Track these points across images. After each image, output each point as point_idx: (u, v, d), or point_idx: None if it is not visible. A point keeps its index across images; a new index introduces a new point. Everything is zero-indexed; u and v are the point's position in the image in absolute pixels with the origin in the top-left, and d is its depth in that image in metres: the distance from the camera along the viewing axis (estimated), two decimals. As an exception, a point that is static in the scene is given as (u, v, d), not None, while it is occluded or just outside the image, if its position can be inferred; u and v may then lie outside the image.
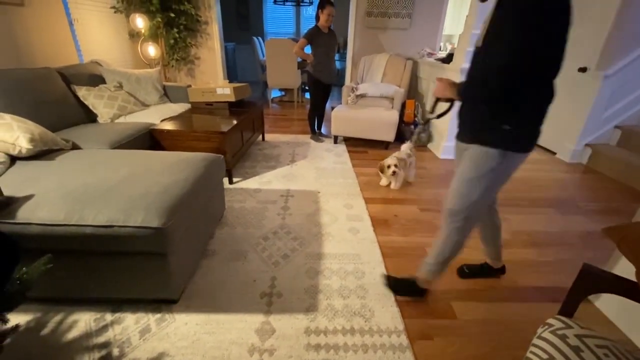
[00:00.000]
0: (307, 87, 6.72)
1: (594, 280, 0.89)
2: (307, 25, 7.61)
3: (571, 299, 0.93)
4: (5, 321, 0.92)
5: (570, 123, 3.39)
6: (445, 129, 3.34)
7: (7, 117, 1.72)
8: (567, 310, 0.93)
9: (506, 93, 1.09)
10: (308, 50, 3.38)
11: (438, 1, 4.19)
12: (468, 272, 1.69)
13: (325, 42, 3.34)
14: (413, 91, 4.31)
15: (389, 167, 2.51)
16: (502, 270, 1.69)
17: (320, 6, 3.20)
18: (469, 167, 1.27)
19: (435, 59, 3.78)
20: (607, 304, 1.50)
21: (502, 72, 1.04)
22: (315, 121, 3.81)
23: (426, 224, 2.17)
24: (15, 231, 1.19)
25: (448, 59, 3.39)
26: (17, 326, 0.98)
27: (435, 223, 2.18)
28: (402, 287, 1.55)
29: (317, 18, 3.27)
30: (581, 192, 2.73)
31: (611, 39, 2.97)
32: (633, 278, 0.84)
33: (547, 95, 1.12)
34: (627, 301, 0.88)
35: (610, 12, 2.93)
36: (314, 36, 3.28)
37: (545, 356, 0.79)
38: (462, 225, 1.32)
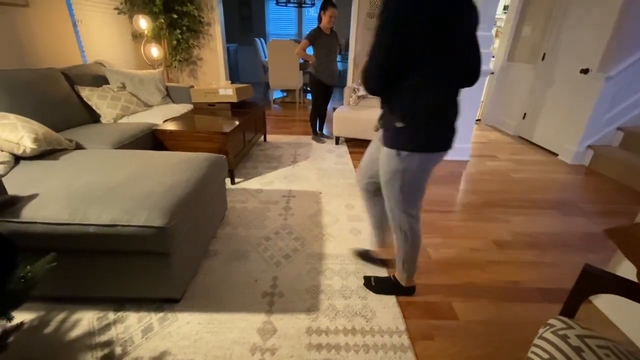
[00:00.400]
0: (308, 88, 6.73)
1: (595, 280, 0.90)
2: (309, 26, 7.63)
3: (572, 300, 0.93)
4: (9, 319, 0.93)
5: (572, 124, 3.39)
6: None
7: (12, 117, 1.73)
8: (569, 310, 0.93)
9: (378, 92, 1.17)
10: (310, 51, 3.40)
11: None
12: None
13: (327, 43, 3.34)
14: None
15: None
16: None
17: (323, 8, 3.22)
18: (381, 169, 1.32)
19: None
20: (609, 304, 1.50)
21: (363, 72, 1.13)
22: (317, 122, 3.82)
23: (427, 224, 2.17)
24: (20, 230, 1.20)
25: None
26: (21, 324, 0.98)
27: (437, 223, 2.18)
28: (388, 288, 1.55)
29: (320, 19, 3.28)
30: (583, 193, 2.73)
31: (613, 41, 2.97)
32: (634, 279, 0.85)
33: (433, 93, 1.13)
34: (628, 302, 0.88)
35: (612, 14, 2.93)
36: (316, 37, 3.29)
37: (546, 356, 0.80)
38: (403, 223, 1.37)
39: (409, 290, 1.54)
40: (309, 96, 6.24)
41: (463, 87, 1.23)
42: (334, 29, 3.41)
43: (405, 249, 1.43)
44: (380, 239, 1.69)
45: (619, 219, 2.34)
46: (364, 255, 1.77)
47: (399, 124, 1.17)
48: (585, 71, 3.19)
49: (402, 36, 1.03)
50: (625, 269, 1.41)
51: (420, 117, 1.15)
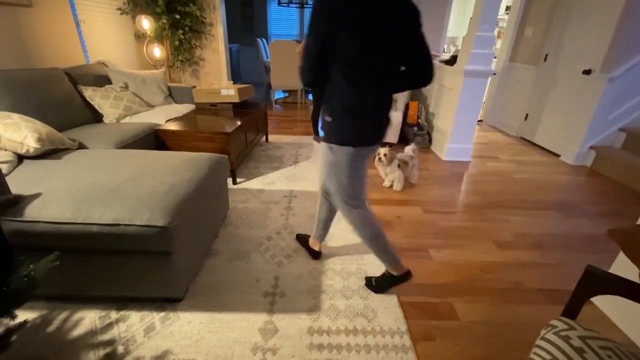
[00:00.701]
0: (310, 89, 6.73)
1: (597, 281, 0.89)
2: (310, 27, 7.62)
3: (574, 301, 0.93)
4: (13, 317, 0.93)
5: (574, 125, 3.38)
6: (448, 131, 3.34)
7: (15, 117, 1.74)
8: (570, 311, 0.93)
9: (309, 86, 1.29)
10: None
11: (442, 3, 4.19)
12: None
13: None
14: (417, 93, 4.31)
15: (378, 155, 2.54)
16: (406, 277, 1.55)
17: None
18: (320, 162, 1.44)
19: (439, 61, 3.78)
20: (611, 306, 1.50)
21: (299, 68, 1.22)
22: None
23: (429, 225, 2.17)
24: (23, 229, 1.21)
25: (452, 60, 3.40)
26: (25, 322, 0.99)
27: (439, 224, 2.18)
28: (386, 283, 1.55)
29: None
30: (585, 194, 2.72)
31: (616, 42, 2.96)
32: (636, 280, 0.85)
33: (358, 93, 1.18)
34: (630, 303, 0.88)
35: (615, 15, 2.92)
36: None
37: (548, 357, 0.80)
38: (352, 215, 1.42)
39: (404, 277, 1.52)
40: (311, 96, 6.27)
41: (405, 88, 1.30)
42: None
43: (368, 244, 1.46)
44: (319, 234, 1.75)
45: (621, 220, 2.33)
46: (302, 240, 1.86)
47: (327, 118, 1.26)
48: (587, 72, 3.19)
49: (322, 37, 1.10)
50: (628, 270, 1.41)
51: (345, 115, 1.21)
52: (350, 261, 1.77)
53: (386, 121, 1.30)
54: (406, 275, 1.52)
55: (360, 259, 1.79)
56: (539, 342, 0.86)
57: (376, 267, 1.72)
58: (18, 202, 1.25)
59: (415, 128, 3.74)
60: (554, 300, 1.57)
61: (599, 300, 1.55)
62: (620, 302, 1.22)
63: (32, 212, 1.22)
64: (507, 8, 4.78)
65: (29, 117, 1.81)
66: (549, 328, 0.87)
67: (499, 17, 3.60)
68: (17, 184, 1.37)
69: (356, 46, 1.11)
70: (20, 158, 1.69)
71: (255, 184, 2.64)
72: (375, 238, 1.43)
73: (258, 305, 1.46)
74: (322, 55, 1.14)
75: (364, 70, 1.16)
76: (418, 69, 1.24)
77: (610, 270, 1.46)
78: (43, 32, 2.64)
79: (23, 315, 1.31)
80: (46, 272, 0.99)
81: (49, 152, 1.77)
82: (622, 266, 1.48)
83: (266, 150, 3.42)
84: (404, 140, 3.59)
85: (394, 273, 1.51)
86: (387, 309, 1.46)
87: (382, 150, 2.55)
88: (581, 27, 3.40)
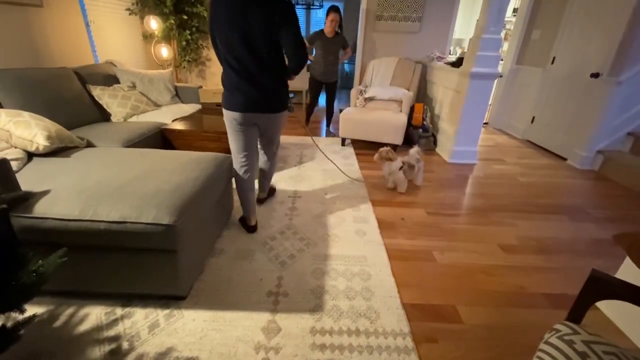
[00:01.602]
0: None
1: (602, 286, 0.89)
2: (316, 27, 7.63)
3: (579, 305, 0.92)
4: (22, 311, 0.95)
5: (581, 129, 3.35)
6: (453, 134, 3.32)
7: (26, 115, 1.77)
8: (575, 316, 0.93)
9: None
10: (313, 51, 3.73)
11: (448, 5, 4.18)
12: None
13: (323, 45, 3.60)
14: (422, 95, 4.31)
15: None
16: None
17: (327, 14, 3.49)
18: None
19: (445, 63, 3.77)
20: (616, 311, 1.48)
21: None
22: (311, 114, 4.15)
23: (433, 227, 2.16)
24: (33, 225, 1.23)
25: (458, 62, 3.39)
26: (33, 316, 1.01)
27: (443, 226, 2.17)
28: (241, 223, 2.03)
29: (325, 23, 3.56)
30: (592, 199, 2.70)
31: (624, 45, 2.93)
32: (642, 285, 0.84)
33: (226, 73, 1.69)
34: (636, 309, 0.87)
35: (623, 18, 2.89)
36: (314, 39, 3.62)
37: (551, 361, 0.79)
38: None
39: (248, 228, 1.97)
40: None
41: (265, 75, 1.66)
42: (340, 32, 3.60)
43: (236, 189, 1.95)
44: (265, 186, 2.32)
45: (628, 225, 2.31)
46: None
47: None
48: (595, 75, 3.16)
49: (210, 32, 1.64)
50: (633, 275, 1.39)
51: (224, 87, 1.72)
52: (353, 262, 1.77)
53: (253, 94, 1.67)
54: (251, 228, 1.97)
55: (364, 260, 1.79)
56: (542, 346, 0.85)
57: (379, 269, 1.73)
58: (28, 199, 1.28)
59: (420, 130, 3.73)
60: (559, 304, 1.56)
61: (604, 305, 1.54)
62: (625, 307, 1.21)
63: (41, 209, 1.25)
64: (515, 10, 4.75)
65: (38, 116, 1.84)
66: (553, 332, 0.86)
67: (506, 19, 3.58)
68: (26, 181, 1.39)
69: (220, 37, 1.58)
70: (30, 155, 1.72)
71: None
72: (238, 188, 1.93)
73: (261, 304, 1.47)
74: (214, 45, 1.69)
75: (231, 58, 1.60)
76: (289, 54, 1.65)
77: (616, 276, 1.44)
78: (53, 32, 2.69)
79: (31, 309, 1.33)
80: (55, 268, 1.01)
81: (58, 150, 1.80)
82: (628, 271, 1.46)
83: (271, 151, 3.43)
84: (408, 142, 3.58)
85: (247, 222, 1.97)
86: (390, 311, 1.46)
87: (382, 150, 2.61)
88: (589, 29, 3.37)
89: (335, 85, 3.91)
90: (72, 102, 2.37)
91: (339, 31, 3.62)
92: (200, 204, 1.47)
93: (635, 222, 2.35)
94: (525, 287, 1.67)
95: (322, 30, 3.58)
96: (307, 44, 3.49)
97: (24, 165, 1.63)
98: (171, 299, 1.45)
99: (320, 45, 3.61)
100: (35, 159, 1.70)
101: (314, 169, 2.99)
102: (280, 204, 2.33)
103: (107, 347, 1.24)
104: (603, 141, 3.26)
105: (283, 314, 1.42)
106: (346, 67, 7.51)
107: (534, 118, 4.11)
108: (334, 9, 3.44)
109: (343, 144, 3.72)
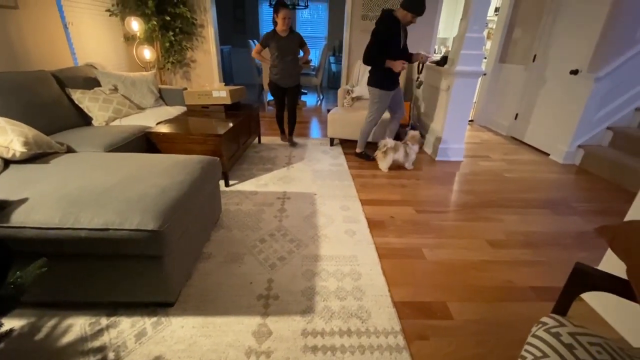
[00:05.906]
0: (304, 90, 6.73)
1: (586, 278, 0.91)
2: (302, 28, 7.64)
3: (564, 298, 0.94)
4: (-1, 325, 0.91)
5: (562, 125, 3.44)
6: (440, 131, 3.36)
7: (1, 120, 1.70)
8: (561, 308, 0.94)
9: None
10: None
11: (432, 5, 4.23)
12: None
13: (279, 46, 3.22)
14: (408, 93, 4.34)
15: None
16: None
17: (275, 10, 3.11)
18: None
19: (430, 62, 3.81)
20: (600, 302, 1.52)
21: None
22: (282, 122, 3.74)
23: (422, 225, 2.18)
24: (10, 235, 1.18)
25: (442, 61, 3.42)
26: (11, 330, 0.97)
27: (431, 224, 2.19)
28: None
29: (274, 22, 3.18)
30: (574, 192, 2.77)
31: (602, 42, 3.02)
32: (625, 276, 0.86)
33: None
34: (619, 299, 0.89)
35: (601, 15, 2.98)
36: (268, 40, 3.22)
37: (539, 354, 0.80)
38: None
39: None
40: (304, 97, 6.27)
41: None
42: (294, 29, 3.30)
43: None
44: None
45: (609, 217, 2.38)
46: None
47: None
48: (575, 72, 3.24)
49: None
50: (616, 267, 1.43)
51: (389, 77, 2.80)
52: (344, 262, 1.77)
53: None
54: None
55: (354, 259, 1.79)
56: (530, 339, 0.86)
57: (370, 269, 1.73)
58: (4, 208, 1.22)
59: (408, 128, 3.76)
60: (546, 297, 1.59)
61: (589, 297, 1.57)
62: (609, 298, 1.24)
63: (19, 218, 1.20)
64: (497, 9, 4.84)
65: (15, 121, 1.77)
66: (540, 325, 0.87)
67: (488, 18, 3.65)
68: (3, 189, 1.34)
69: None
70: (7, 163, 1.65)
71: (248, 186, 2.62)
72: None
73: (252, 308, 1.45)
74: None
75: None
76: None
77: (599, 267, 1.48)
78: (30, 34, 2.60)
79: (10, 323, 1.28)
80: (33, 279, 0.97)
81: (36, 156, 1.74)
82: (610, 263, 1.50)
83: (259, 152, 3.41)
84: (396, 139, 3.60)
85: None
86: (381, 309, 1.47)
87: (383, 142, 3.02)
88: (568, 28, 3.46)
89: (297, 90, 3.53)
90: (51, 107, 2.30)
91: (293, 29, 3.30)
92: (187, 208, 1.44)
93: (616, 213, 2.42)
94: (513, 281, 1.70)
95: (274, 30, 3.20)
96: (260, 46, 3.23)
97: (0, 173, 1.57)
98: (159, 306, 1.42)
99: (276, 46, 3.22)
100: (12, 166, 1.63)
101: (303, 170, 2.98)
102: (269, 206, 2.31)
103: (92, 359, 1.20)
104: (583, 136, 3.35)
105: (274, 317, 1.40)
106: (333, 67, 7.52)
107: (517, 115, 4.20)
108: (283, 4, 3.10)
109: (332, 144, 3.72)
